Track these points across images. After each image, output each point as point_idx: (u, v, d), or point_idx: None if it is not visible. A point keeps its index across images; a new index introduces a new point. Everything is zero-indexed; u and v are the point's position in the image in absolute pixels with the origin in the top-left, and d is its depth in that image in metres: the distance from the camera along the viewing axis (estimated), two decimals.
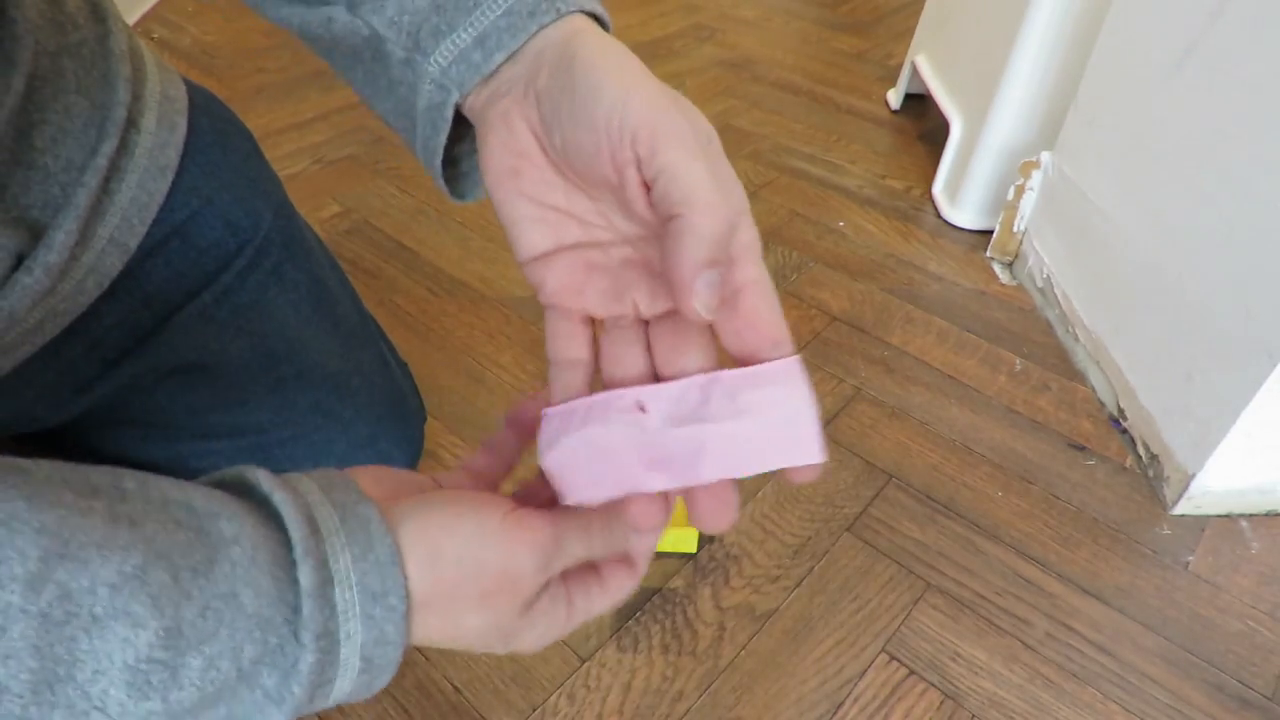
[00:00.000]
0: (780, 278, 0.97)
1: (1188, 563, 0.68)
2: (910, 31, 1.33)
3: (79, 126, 0.39)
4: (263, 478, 0.27)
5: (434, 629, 0.28)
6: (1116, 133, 0.81)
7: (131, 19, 1.49)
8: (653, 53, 1.52)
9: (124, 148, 0.42)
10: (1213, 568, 0.68)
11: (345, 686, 0.27)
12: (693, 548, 0.62)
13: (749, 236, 0.27)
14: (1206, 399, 0.68)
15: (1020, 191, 0.95)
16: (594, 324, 0.30)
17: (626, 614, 0.62)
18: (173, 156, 0.45)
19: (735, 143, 1.24)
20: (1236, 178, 0.65)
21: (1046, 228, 0.93)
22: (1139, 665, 0.61)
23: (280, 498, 0.26)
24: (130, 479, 0.25)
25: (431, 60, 0.29)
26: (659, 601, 0.63)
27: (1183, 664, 0.61)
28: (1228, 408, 0.65)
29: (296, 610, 0.25)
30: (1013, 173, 0.96)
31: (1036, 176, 0.94)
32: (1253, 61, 0.63)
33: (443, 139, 0.31)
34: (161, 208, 0.45)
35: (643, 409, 0.27)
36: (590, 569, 0.32)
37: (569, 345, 0.30)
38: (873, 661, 0.60)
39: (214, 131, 0.49)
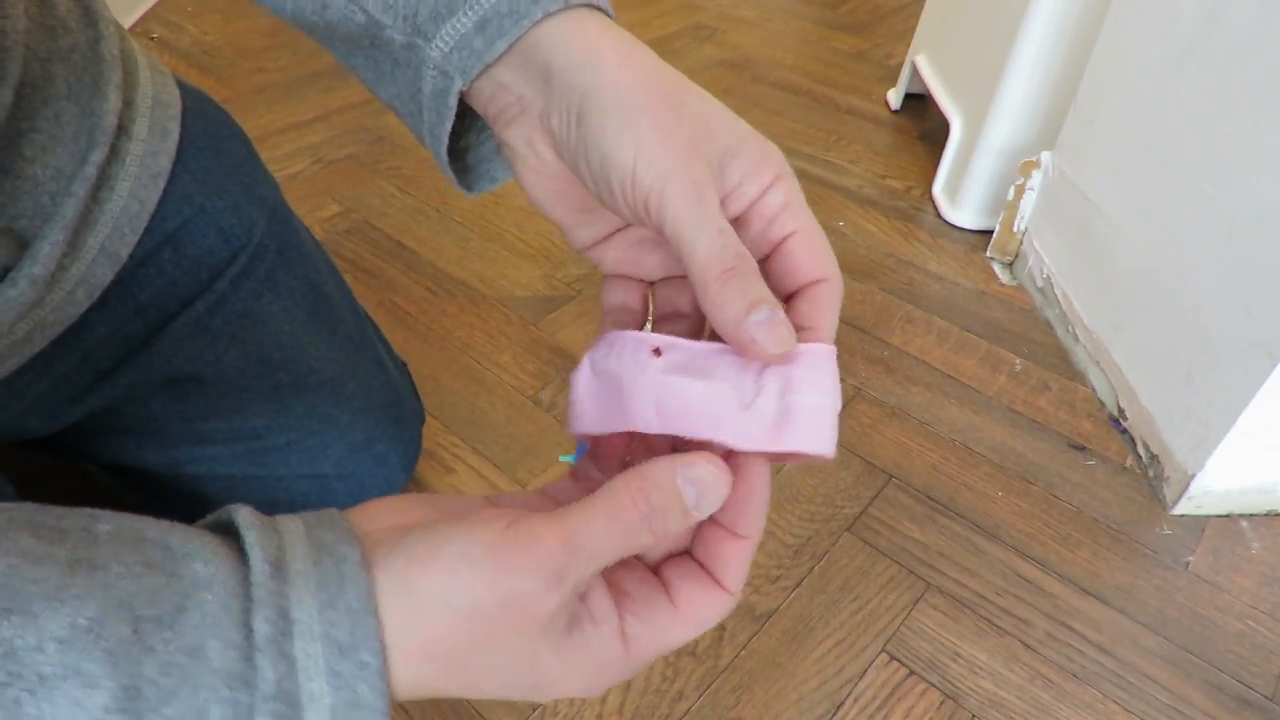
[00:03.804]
0: None
1: (1188, 563, 0.68)
2: (910, 31, 1.33)
3: (69, 134, 0.38)
4: (244, 515, 0.23)
5: (438, 680, 0.23)
6: (1116, 133, 0.81)
7: (130, 19, 1.49)
8: None
9: (115, 156, 0.41)
10: (1213, 568, 0.68)
11: None
12: None
13: (781, 197, 0.27)
14: (1206, 399, 0.68)
15: (1020, 191, 0.95)
16: (648, 287, 0.31)
17: None
18: (165, 164, 0.44)
19: None
20: (1236, 178, 0.65)
21: (1046, 228, 0.93)
22: (1139, 665, 0.61)
23: (252, 537, 0.23)
24: (106, 521, 0.22)
25: (433, 45, 0.28)
26: None
27: (1183, 664, 0.61)
28: (1228, 408, 0.65)
29: (251, 666, 0.21)
30: (1013, 173, 0.96)
31: (1036, 176, 0.94)
32: (1252, 61, 0.63)
33: (447, 126, 0.30)
34: (153, 216, 0.44)
35: (657, 353, 0.26)
36: (656, 586, 0.26)
37: (622, 295, 0.31)
38: (873, 661, 0.60)
39: (207, 136, 0.48)
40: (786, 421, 0.25)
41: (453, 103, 0.29)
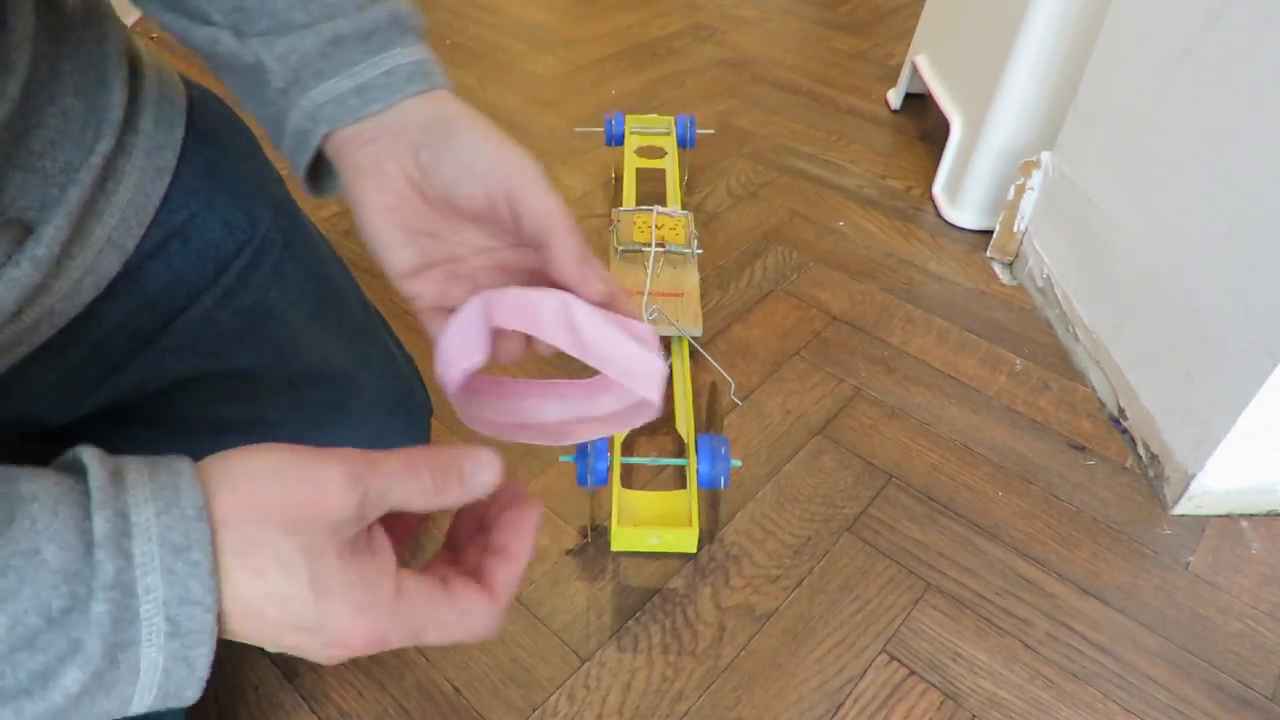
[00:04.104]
0: (780, 278, 0.97)
1: (1188, 563, 0.68)
2: (910, 31, 1.33)
3: (76, 129, 0.39)
4: (83, 448, 0.26)
5: (235, 568, 0.26)
6: (1116, 133, 0.81)
7: (133, 17, 1.49)
8: (653, 52, 1.52)
9: (121, 149, 0.42)
10: (1213, 568, 0.68)
11: (155, 656, 0.25)
12: (693, 548, 0.62)
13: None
14: (1206, 399, 0.68)
15: (1020, 191, 0.95)
16: None
17: (626, 614, 0.62)
18: (170, 159, 0.45)
19: (735, 142, 1.24)
20: (1236, 178, 0.65)
21: (1046, 228, 0.93)
22: (1139, 665, 0.61)
23: (89, 454, 0.26)
24: None
25: (306, 96, 0.35)
26: (659, 601, 0.63)
27: (1183, 664, 0.61)
28: (1228, 408, 0.65)
29: (89, 561, 0.24)
30: (1013, 173, 0.96)
31: (1036, 176, 0.94)
32: (1252, 62, 0.63)
33: (307, 159, 0.36)
34: (159, 209, 0.44)
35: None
36: (438, 577, 0.30)
37: (441, 323, 0.36)
38: (873, 661, 0.60)
39: (212, 131, 0.48)
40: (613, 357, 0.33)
41: (314, 144, 0.35)
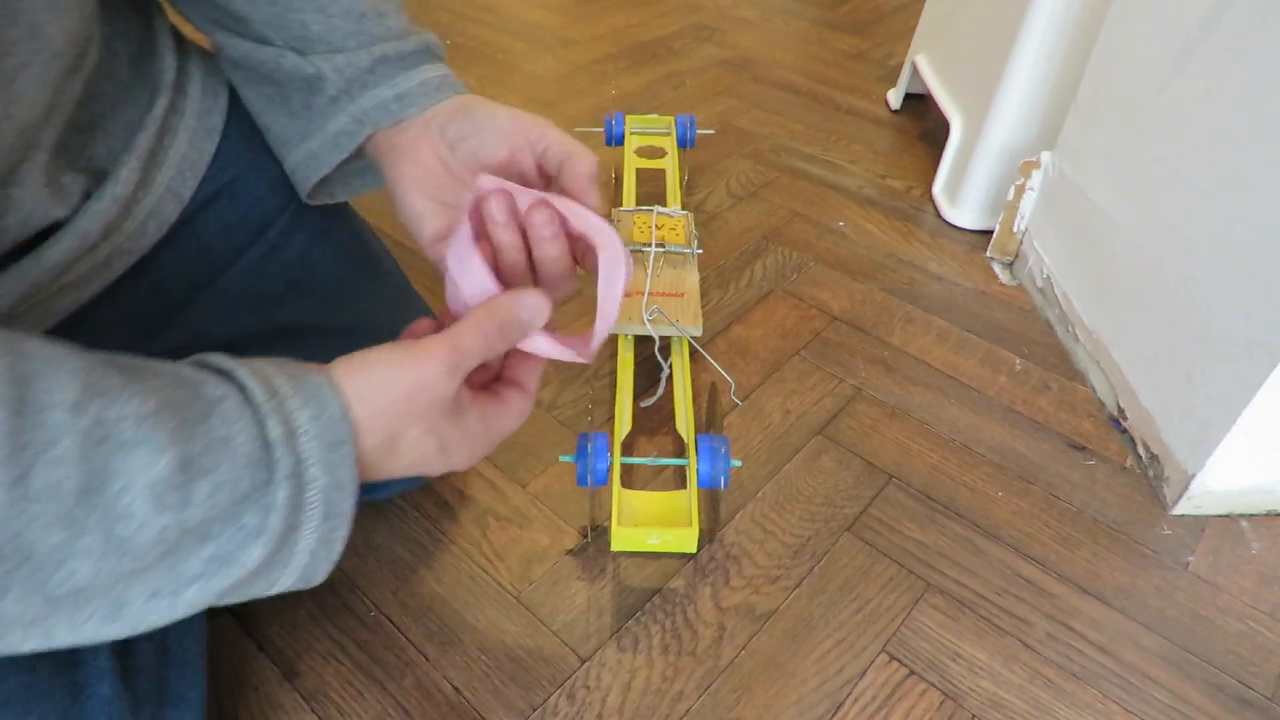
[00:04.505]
0: (780, 277, 0.97)
1: (1188, 563, 0.68)
2: (910, 31, 1.33)
3: (134, 94, 0.45)
4: (223, 359, 0.32)
5: (377, 452, 0.33)
6: (1116, 133, 0.81)
7: None
8: (653, 52, 1.52)
9: (174, 109, 0.47)
10: (1213, 568, 0.68)
11: (310, 539, 0.31)
12: (692, 547, 0.62)
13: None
14: (1206, 399, 0.68)
15: (1020, 191, 0.95)
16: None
17: (626, 614, 0.62)
18: (218, 121, 0.50)
19: (735, 142, 1.24)
20: (1236, 178, 0.65)
21: (1046, 228, 0.93)
22: (1139, 665, 0.61)
23: (243, 372, 0.31)
24: (123, 356, 0.30)
25: (355, 103, 0.43)
26: (659, 601, 0.63)
27: (1183, 664, 0.61)
28: (1228, 408, 0.65)
29: (270, 456, 0.30)
30: (1013, 173, 0.96)
31: (1036, 176, 0.94)
32: (1253, 61, 0.63)
33: (342, 156, 0.45)
34: (210, 166, 0.50)
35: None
36: (492, 393, 0.39)
37: None
38: (873, 661, 0.60)
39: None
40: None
41: (358, 142, 0.44)
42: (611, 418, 0.77)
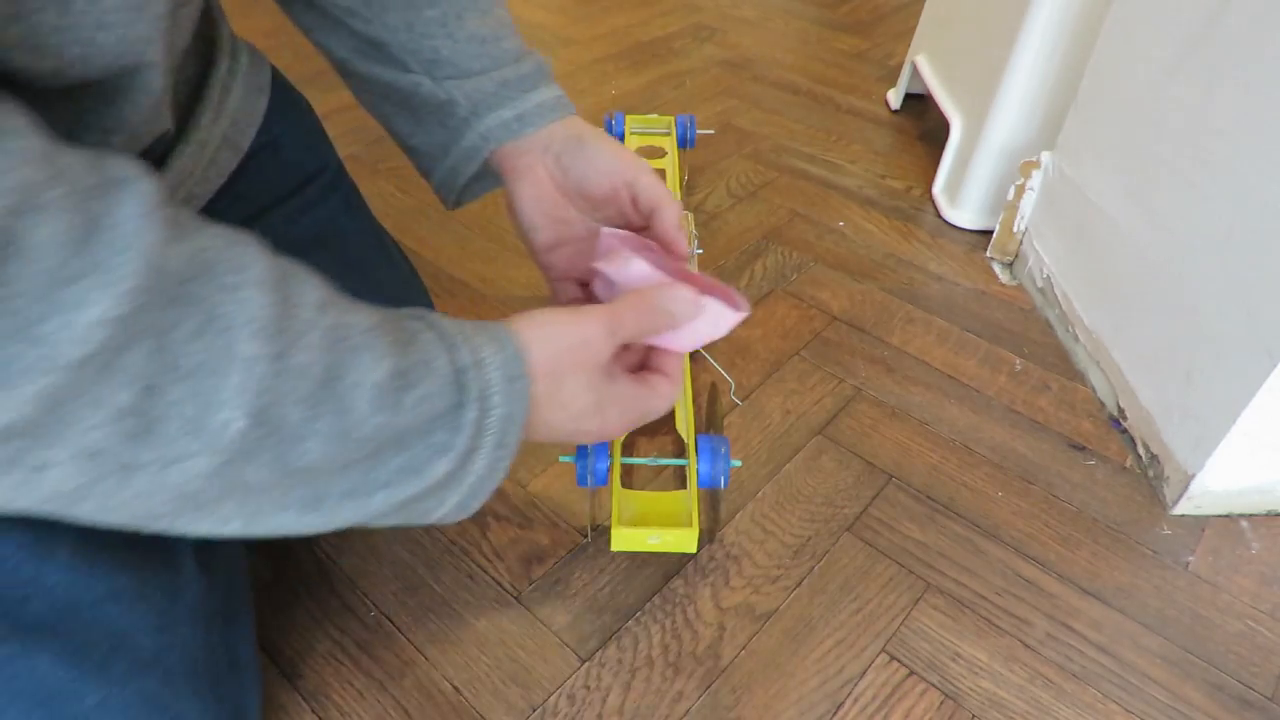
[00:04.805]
0: (780, 278, 0.97)
1: (1188, 563, 0.68)
2: (910, 31, 1.33)
3: (199, 52, 0.50)
4: (411, 308, 0.36)
5: (545, 396, 0.37)
6: (1116, 133, 0.81)
7: None
8: (653, 53, 1.52)
9: (230, 72, 0.52)
10: (1213, 568, 0.68)
11: (480, 466, 0.35)
12: (693, 548, 0.62)
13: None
14: (1206, 399, 0.68)
15: (1020, 191, 0.95)
16: (580, 285, 0.52)
17: (626, 614, 0.62)
18: (265, 82, 0.56)
19: (735, 142, 1.24)
20: (1236, 178, 0.65)
21: (1046, 228, 0.93)
22: (1139, 665, 0.61)
23: (433, 315, 0.36)
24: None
25: (481, 122, 0.49)
26: (659, 601, 0.63)
27: (1183, 664, 0.61)
28: (1228, 408, 0.65)
29: (462, 380, 0.34)
30: (1013, 173, 0.96)
31: (1036, 176, 0.94)
32: (1253, 61, 0.63)
33: (472, 170, 0.50)
34: (258, 126, 0.55)
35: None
36: (639, 376, 0.43)
37: (568, 289, 0.52)
38: (873, 661, 0.60)
39: (288, 88, 0.61)
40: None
41: (483, 157, 0.49)
42: None
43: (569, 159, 0.48)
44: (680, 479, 0.72)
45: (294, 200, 0.58)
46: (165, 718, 0.39)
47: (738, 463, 0.68)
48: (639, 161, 0.48)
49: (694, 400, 0.77)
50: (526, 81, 0.49)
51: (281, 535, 0.32)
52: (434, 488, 0.34)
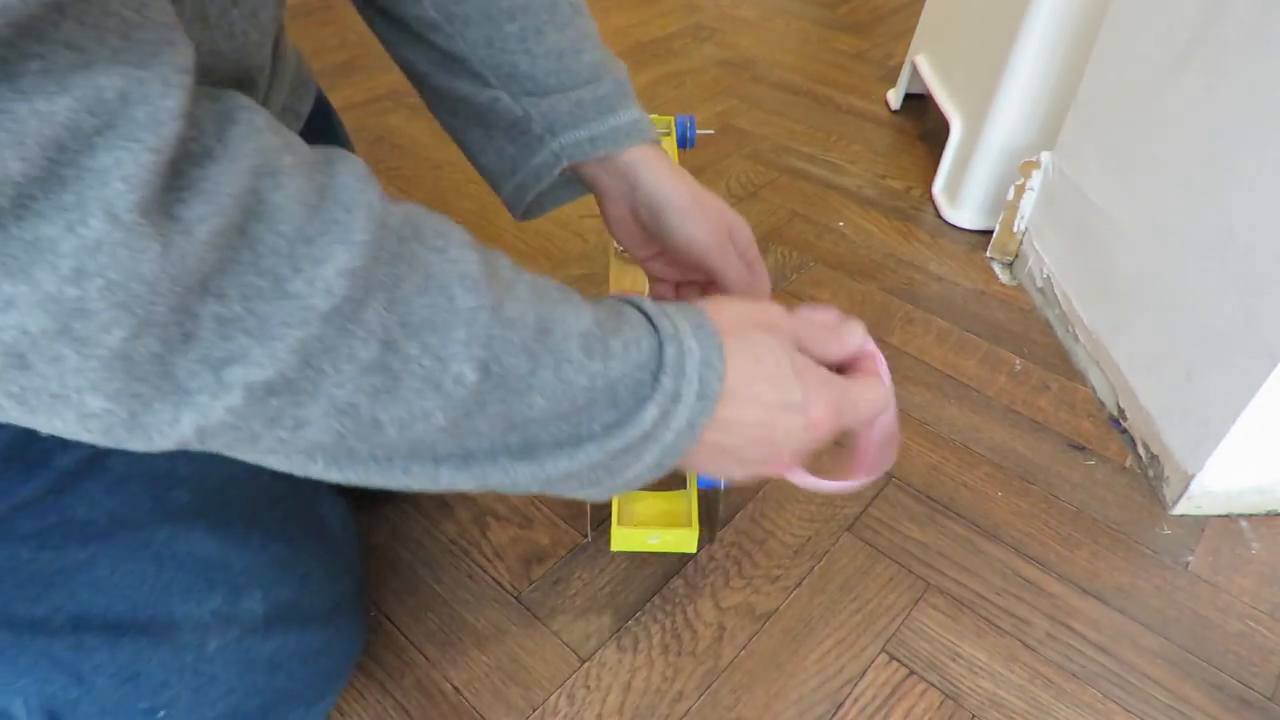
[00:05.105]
0: (780, 278, 0.97)
1: (1188, 563, 0.68)
2: (910, 31, 1.33)
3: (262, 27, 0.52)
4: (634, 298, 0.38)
5: (735, 346, 0.36)
6: (1116, 133, 0.81)
7: None
8: (653, 53, 1.52)
9: (278, 46, 0.52)
10: (1213, 568, 0.68)
11: (683, 417, 0.34)
12: (692, 548, 0.62)
13: (750, 242, 0.52)
14: (1206, 399, 0.68)
15: (1020, 191, 0.95)
16: (675, 286, 0.56)
17: (626, 614, 0.62)
18: (301, 54, 0.57)
19: (735, 143, 1.24)
20: (1236, 178, 0.65)
21: (1046, 228, 0.93)
22: (1139, 665, 0.61)
23: (649, 306, 0.36)
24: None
25: (556, 140, 0.50)
26: (659, 601, 0.63)
27: (1183, 664, 0.61)
28: (1228, 408, 0.65)
29: (655, 324, 0.35)
30: (1013, 173, 0.96)
31: (1036, 176, 0.94)
32: (1253, 61, 0.63)
33: (541, 187, 0.52)
34: (314, 93, 0.58)
35: None
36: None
37: (661, 290, 0.56)
38: (873, 661, 0.60)
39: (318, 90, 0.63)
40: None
41: (555, 174, 0.51)
42: None
43: (648, 215, 0.51)
44: (680, 479, 0.72)
45: None
46: (296, 574, 0.47)
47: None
48: (707, 225, 0.49)
49: None
50: (603, 103, 0.50)
51: (484, 489, 0.34)
52: (639, 439, 0.34)
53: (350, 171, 0.27)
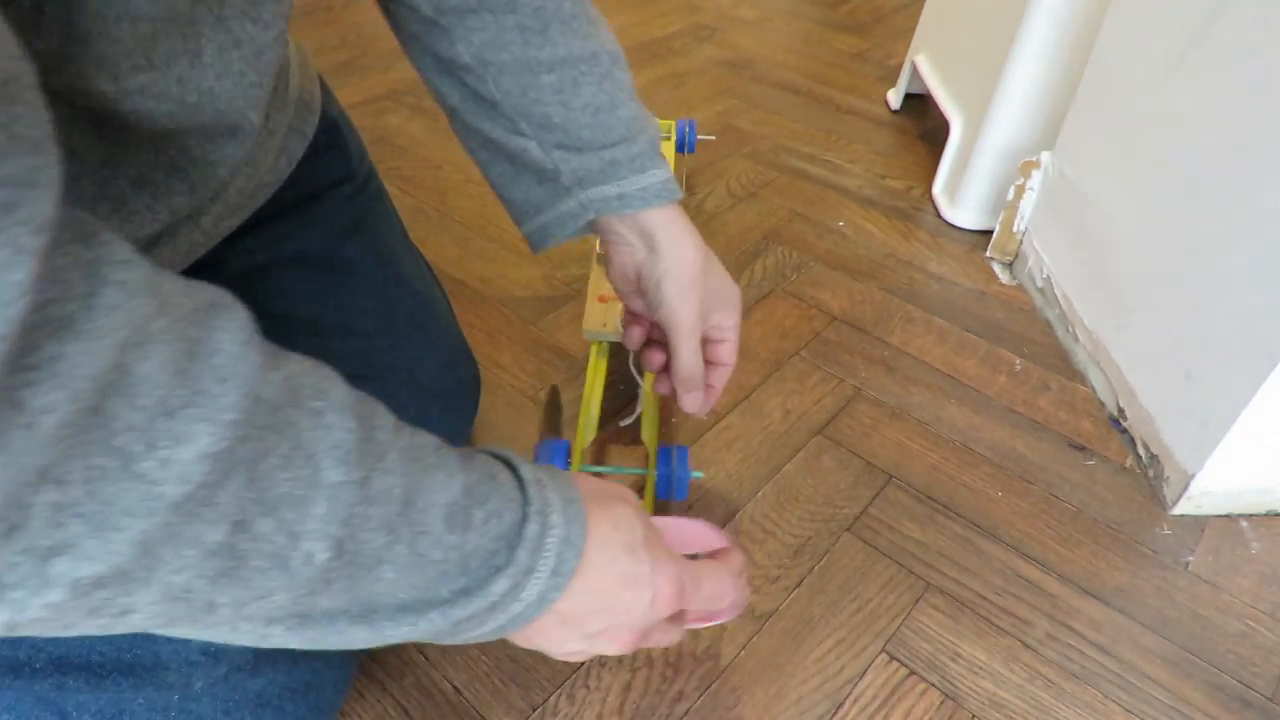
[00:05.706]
0: (780, 278, 0.97)
1: (1188, 563, 0.68)
2: (910, 31, 1.33)
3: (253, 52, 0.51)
4: (491, 452, 0.37)
5: (598, 517, 0.36)
6: (1116, 133, 0.81)
7: None
8: (653, 53, 1.52)
9: (283, 66, 0.52)
10: (1213, 568, 0.68)
11: (534, 590, 0.33)
12: None
13: (731, 323, 0.56)
14: (1206, 399, 0.68)
15: (1020, 191, 0.95)
16: (649, 323, 0.58)
17: None
18: (316, 74, 0.58)
19: (735, 142, 1.24)
20: (1236, 178, 0.65)
21: (1046, 228, 0.93)
22: (1139, 665, 0.61)
23: (526, 471, 0.36)
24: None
25: (585, 193, 0.51)
26: None
27: (1183, 664, 0.61)
28: (1228, 408, 0.65)
29: (526, 494, 0.34)
30: (1013, 173, 0.96)
31: (1036, 176, 0.94)
32: (1253, 61, 0.63)
33: (566, 233, 0.53)
34: (319, 111, 0.57)
35: None
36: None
37: (635, 337, 0.58)
38: (873, 661, 0.60)
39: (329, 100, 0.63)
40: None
41: (582, 225, 0.52)
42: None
43: (648, 279, 0.52)
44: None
45: (346, 187, 0.61)
46: None
47: (699, 474, 0.68)
48: (693, 314, 0.51)
49: (662, 411, 0.77)
50: (636, 163, 0.51)
51: (319, 649, 0.32)
52: (486, 609, 0.33)
53: (230, 331, 0.25)
